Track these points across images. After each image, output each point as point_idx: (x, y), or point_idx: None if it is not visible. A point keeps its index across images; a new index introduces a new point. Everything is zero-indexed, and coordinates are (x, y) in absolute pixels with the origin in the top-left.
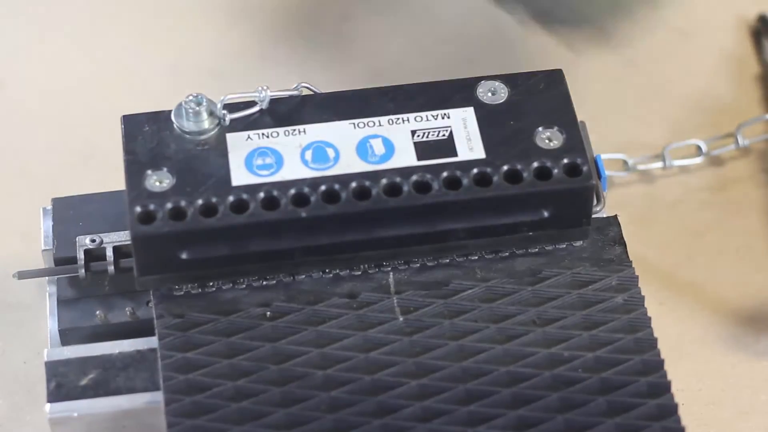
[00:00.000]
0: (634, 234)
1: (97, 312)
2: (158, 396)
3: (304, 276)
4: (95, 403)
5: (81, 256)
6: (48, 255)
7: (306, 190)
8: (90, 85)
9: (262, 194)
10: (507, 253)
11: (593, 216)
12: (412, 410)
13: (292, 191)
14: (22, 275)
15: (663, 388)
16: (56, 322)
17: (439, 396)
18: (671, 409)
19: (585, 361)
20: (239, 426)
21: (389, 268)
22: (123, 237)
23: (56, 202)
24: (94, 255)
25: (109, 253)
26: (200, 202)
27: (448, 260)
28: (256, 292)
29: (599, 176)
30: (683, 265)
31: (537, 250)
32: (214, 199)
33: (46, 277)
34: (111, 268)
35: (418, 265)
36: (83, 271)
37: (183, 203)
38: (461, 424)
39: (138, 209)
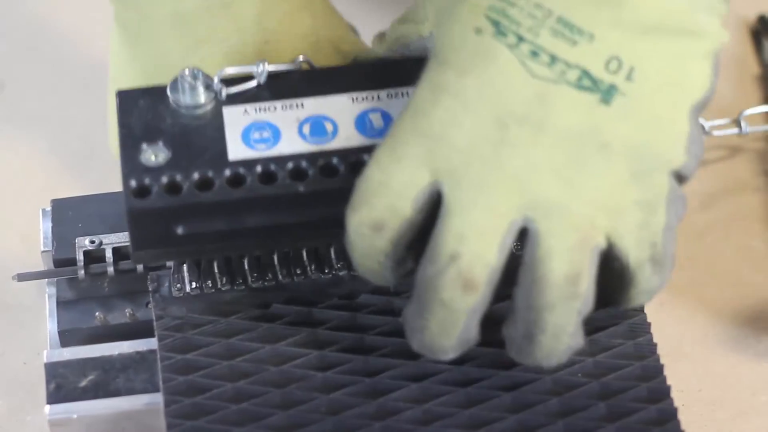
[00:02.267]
0: None
1: (97, 313)
2: (158, 397)
3: (303, 277)
4: (95, 404)
5: (80, 257)
6: (47, 256)
7: (304, 164)
8: (90, 85)
9: (259, 168)
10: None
11: None
12: (412, 413)
13: (290, 165)
14: (22, 277)
15: (663, 393)
16: (56, 323)
17: (439, 399)
18: (671, 414)
19: (585, 366)
20: (239, 427)
21: None
22: (122, 238)
23: (55, 203)
24: (94, 256)
25: (109, 254)
26: (196, 176)
27: None
28: (255, 294)
29: None
30: (683, 265)
31: None
32: (210, 173)
33: (46, 279)
34: (110, 270)
35: None
36: (82, 272)
37: (179, 177)
38: (461, 428)
39: (133, 183)
